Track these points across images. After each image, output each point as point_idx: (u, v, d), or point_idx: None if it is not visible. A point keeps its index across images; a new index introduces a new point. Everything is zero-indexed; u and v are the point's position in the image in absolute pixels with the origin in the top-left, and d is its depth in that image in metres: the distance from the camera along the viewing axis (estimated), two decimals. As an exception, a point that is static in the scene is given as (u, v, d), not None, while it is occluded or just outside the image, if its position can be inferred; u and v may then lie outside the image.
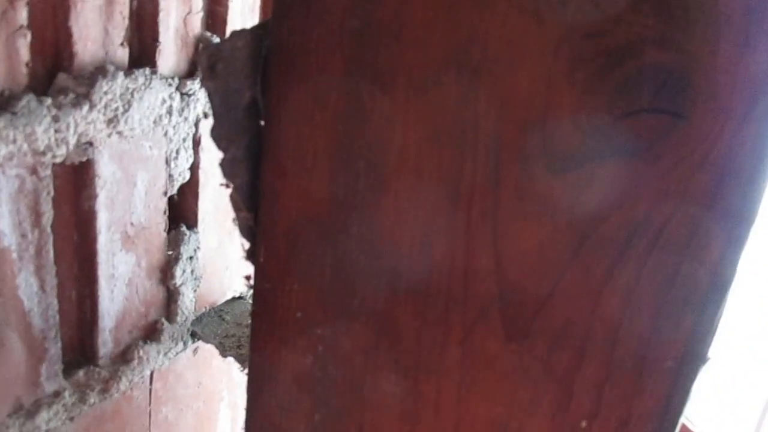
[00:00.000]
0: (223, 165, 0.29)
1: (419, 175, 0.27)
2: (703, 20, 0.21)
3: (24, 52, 0.27)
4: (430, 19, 0.25)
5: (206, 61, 0.29)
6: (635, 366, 0.25)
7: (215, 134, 0.29)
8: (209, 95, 0.29)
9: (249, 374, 0.34)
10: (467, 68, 0.25)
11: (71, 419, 0.33)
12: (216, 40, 0.36)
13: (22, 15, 0.26)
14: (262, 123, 0.30)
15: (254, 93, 0.29)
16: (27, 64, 0.27)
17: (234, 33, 0.27)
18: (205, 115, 0.36)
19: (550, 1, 0.23)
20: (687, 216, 0.22)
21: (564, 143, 0.24)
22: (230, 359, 0.44)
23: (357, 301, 0.29)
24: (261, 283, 0.32)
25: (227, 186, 0.30)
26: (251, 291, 0.39)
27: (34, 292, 0.29)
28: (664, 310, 0.24)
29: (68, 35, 0.28)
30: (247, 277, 0.33)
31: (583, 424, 0.26)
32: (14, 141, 0.26)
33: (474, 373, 0.28)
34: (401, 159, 0.27)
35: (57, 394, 0.32)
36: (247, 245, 0.32)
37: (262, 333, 0.32)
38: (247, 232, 0.31)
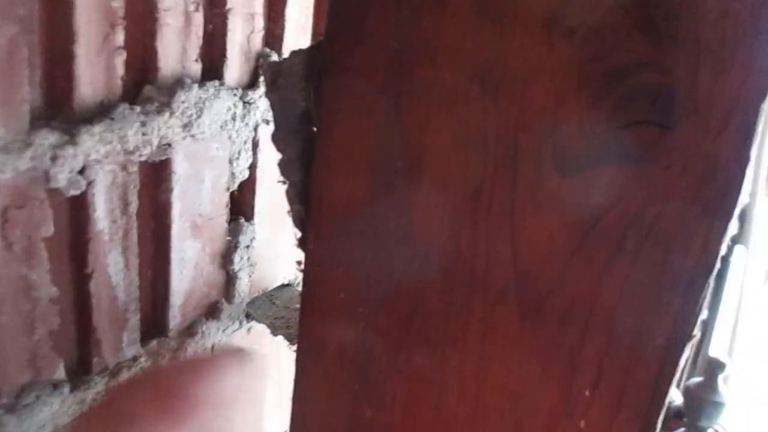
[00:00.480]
0: (281, 165, 0.34)
1: (448, 176, 0.31)
2: (686, 48, 0.25)
3: (120, 68, 0.32)
4: (459, 42, 0.29)
5: (269, 76, 0.34)
6: (631, 342, 0.28)
7: (275, 138, 0.34)
8: (271, 105, 0.34)
9: (298, 348, 0.39)
10: (490, 84, 0.29)
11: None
12: (274, 56, 0.41)
13: (120, 38, 0.31)
14: (315, 130, 0.34)
15: (308, 103, 0.34)
16: (122, 78, 0.32)
17: (292, 52, 0.32)
18: (265, 122, 0.41)
19: (560, 29, 0.27)
20: (674, 213, 0.26)
21: (571, 150, 0.28)
22: (280, 339, 0.49)
23: (393, 284, 0.34)
24: (310, 268, 0.36)
25: (283, 182, 0.35)
26: (299, 278, 0.44)
27: (120, 270, 0.35)
28: (655, 293, 0.27)
29: (154, 53, 0.34)
30: (299, 263, 0.38)
31: (587, 393, 0.30)
32: (110, 142, 0.32)
33: (493, 348, 0.32)
34: (432, 161, 0.31)
35: (135, 359, 0.37)
36: (299, 235, 0.37)
37: (311, 311, 0.37)
38: (299, 223, 0.36)
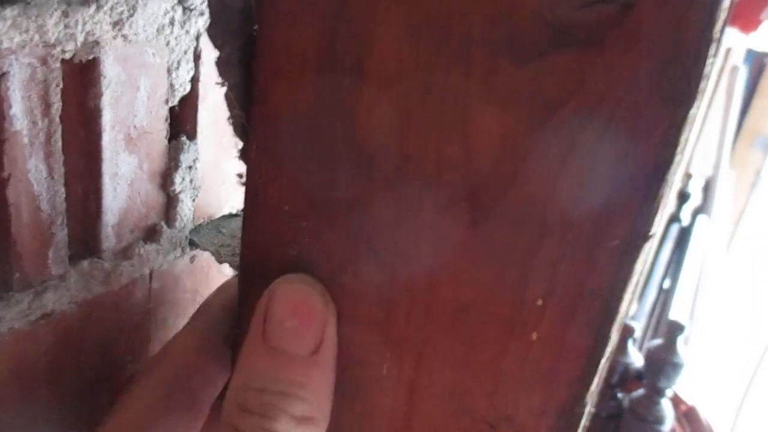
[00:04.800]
0: (218, 63, 0.32)
1: (397, 71, 0.29)
2: None
3: (36, -52, 0.29)
4: None
5: (204, -38, 0.31)
6: (587, 245, 0.27)
7: (211, 32, 0.31)
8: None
9: (240, 270, 0.36)
10: (442, -33, 0.27)
11: (76, 303, 0.35)
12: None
13: None
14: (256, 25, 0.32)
15: (249, -3, 0.31)
16: (39, -40, 0.29)
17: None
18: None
19: None
20: (634, 101, 0.25)
21: (528, 35, 0.26)
22: (227, 270, 0.47)
23: (338, 192, 0.32)
24: (253, 179, 0.34)
25: (222, 85, 0.33)
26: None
27: (43, 178, 0.32)
28: (613, 190, 0.26)
29: (78, -63, 0.31)
30: (240, 175, 0.36)
31: (539, 302, 0.28)
32: (27, 30, 0.29)
33: (444, 258, 0.30)
34: (381, 56, 0.29)
35: (62, 278, 0.34)
36: (240, 145, 0.35)
37: (253, 227, 0.35)
38: (240, 130, 0.34)
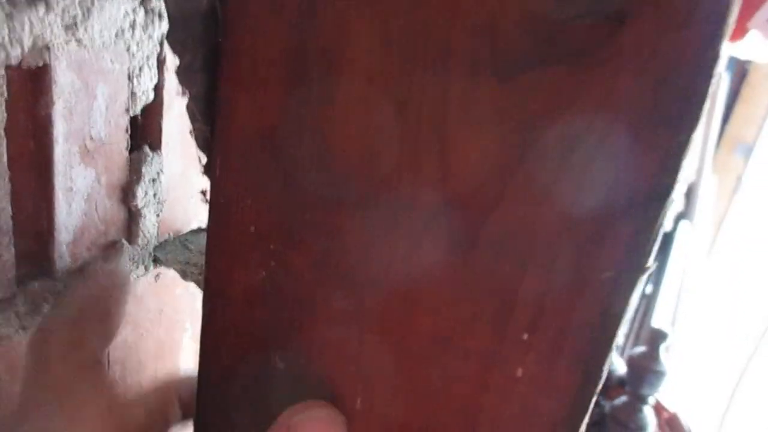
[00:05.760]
0: (179, 72, 0.29)
1: (370, 85, 0.26)
2: None
3: (-24, -56, 0.26)
4: None
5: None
6: (576, 277, 0.25)
7: (170, 39, 0.29)
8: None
9: (204, 291, 0.34)
10: (420, -28, 0.24)
11: (23, 328, 0.33)
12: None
13: None
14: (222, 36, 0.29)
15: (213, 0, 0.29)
16: (-20, -43, 0.27)
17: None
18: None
19: None
20: (627, 123, 0.22)
21: (511, 49, 0.24)
22: (193, 289, 0.45)
23: (307, 214, 0.29)
24: (216, 198, 0.32)
25: (184, 95, 0.30)
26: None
27: (-15, 195, 0.29)
28: (605, 218, 0.24)
29: (25, -67, 0.28)
30: (203, 192, 0.33)
31: (525, 336, 0.26)
32: (-35, 34, 0.26)
33: (421, 288, 0.28)
34: (352, 68, 0.27)
35: (8, 301, 0.32)
36: (204, 159, 0.32)
37: (217, 248, 0.33)
38: (203, 144, 0.31)
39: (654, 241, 0.23)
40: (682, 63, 0.21)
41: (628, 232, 0.23)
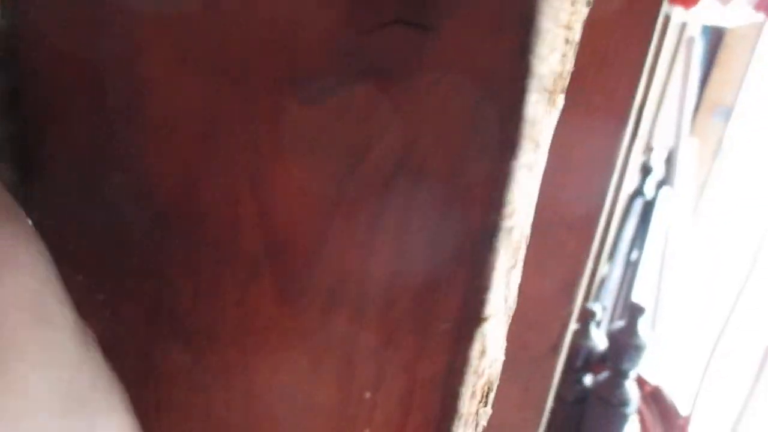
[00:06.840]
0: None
1: (173, 115, 0.23)
2: None
3: None
4: None
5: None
6: (414, 328, 0.21)
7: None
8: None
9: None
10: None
11: None
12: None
13: None
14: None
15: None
16: None
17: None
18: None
19: None
20: (447, 150, 0.19)
21: (313, 69, 0.20)
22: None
23: (134, 262, 0.26)
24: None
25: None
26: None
27: None
28: (436, 261, 0.20)
29: None
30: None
31: (367, 395, 0.23)
32: None
33: (256, 339, 0.24)
34: (154, 91, 0.23)
35: None
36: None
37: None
38: (10, 187, 0.27)
39: (487, 287, 0.19)
40: (497, 79, 0.18)
41: (460, 277, 0.20)
